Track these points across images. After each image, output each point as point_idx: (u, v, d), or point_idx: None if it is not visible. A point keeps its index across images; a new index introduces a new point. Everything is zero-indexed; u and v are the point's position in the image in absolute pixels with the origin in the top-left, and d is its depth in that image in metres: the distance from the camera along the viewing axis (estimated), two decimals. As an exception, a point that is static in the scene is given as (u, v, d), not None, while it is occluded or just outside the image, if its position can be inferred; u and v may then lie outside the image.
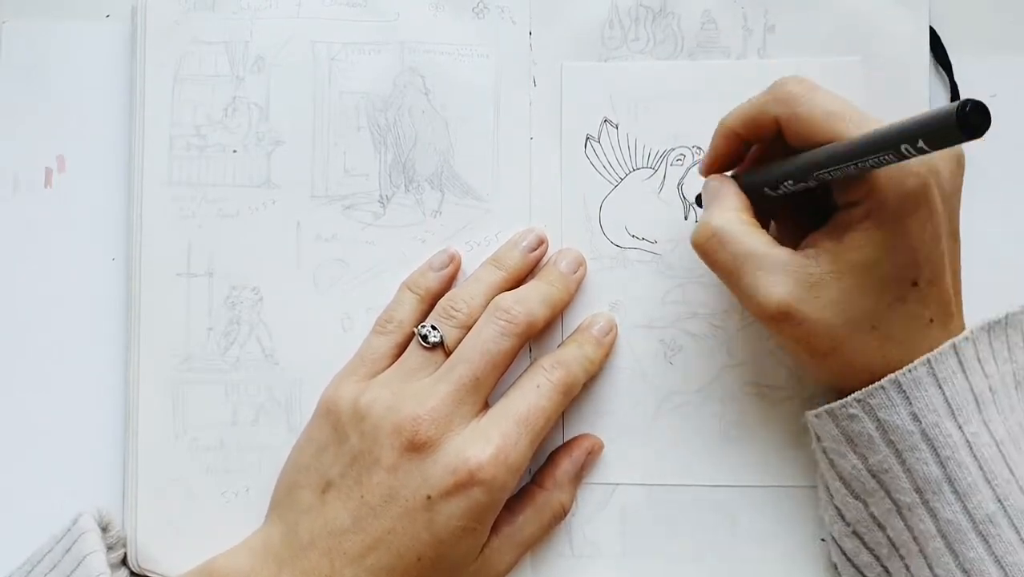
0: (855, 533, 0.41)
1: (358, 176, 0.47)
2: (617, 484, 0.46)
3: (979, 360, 0.38)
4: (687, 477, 0.46)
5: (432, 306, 0.45)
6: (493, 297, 0.44)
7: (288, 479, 0.43)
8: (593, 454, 0.45)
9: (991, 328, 0.39)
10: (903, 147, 0.33)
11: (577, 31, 0.47)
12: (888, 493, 0.39)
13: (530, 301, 0.43)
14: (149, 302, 0.47)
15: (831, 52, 0.46)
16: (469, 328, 0.43)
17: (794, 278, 0.38)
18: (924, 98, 0.46)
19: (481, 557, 0.42)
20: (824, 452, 0.41)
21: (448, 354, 0.43)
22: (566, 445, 0.46)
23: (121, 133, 0.48)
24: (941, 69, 0.47)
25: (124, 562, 0.46)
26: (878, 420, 0.38)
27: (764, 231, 0.40)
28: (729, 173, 0.43)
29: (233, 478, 0.46)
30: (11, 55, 0.49)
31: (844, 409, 0.39)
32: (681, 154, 0.47)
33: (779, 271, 0.38)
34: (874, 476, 0.39)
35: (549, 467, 0.45)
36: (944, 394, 0.37)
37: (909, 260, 0.37)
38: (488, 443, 0.40)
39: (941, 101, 0.47)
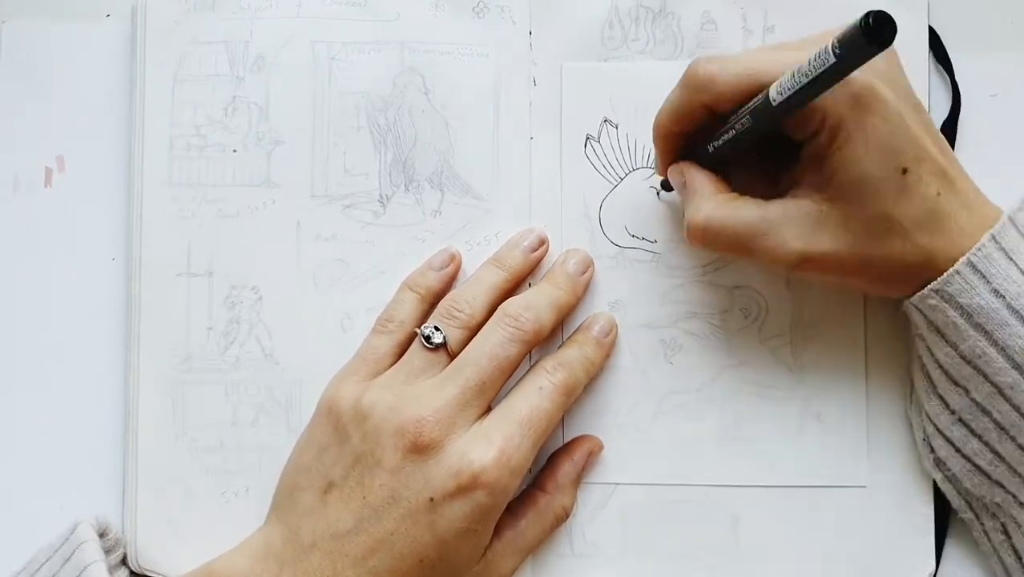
0: (961, 421, 0.41)
1: (358, 176, 0.47)
2: (617, 484, 0.46)
3: None
4: (687, 477, 0.46)
5: (433, 305, 0.45)
6: (495, 298, 0.44)
7: (289, 480, 0.43)
8: (593, 455, 0.45)
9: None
10: (825, 71, 0.34)
11: (577, 31, 0.47)
12: (986, 377, 0.39)
13: (538, 307, 0.43)
14: (149, 302, 0.47)
15: (831, 52, 0.46)
16: (472, 329, 0.43)
17: (796, 224, 0.39)
18: (924, 98, 0.46)
19: (483, 560, 0.42)
20: (923, 339, 0.41)
21: (451, 355, 0.43)
22: (566, 447, 0.46)
23: (121, 133, 0.48)
24: (941, 69, 0.47)
25: (124, 562, 0.46)
26: (960, 306, 0.38)
27: (747, 197, 0.41)
28: None
29: (233, 478, 0.46)
30: (11, 55, 0.49)
31: (923, 301, 0.39)
32: (681, 154, 0.47)
33: (781, 225, 0.39)
34: (968, 363, 0.39)
35: (550, 470, 0.45)
36: (1017, 265, 0.38)
37: (888, 153, 0.38)
38: (491, 445, 0.40)
39: (941, 101, 0.47)
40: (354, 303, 0.47)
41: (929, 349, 0.41)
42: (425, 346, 0.43)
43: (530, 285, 0.46)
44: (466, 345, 0.43)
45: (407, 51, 0.47)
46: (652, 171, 0.47)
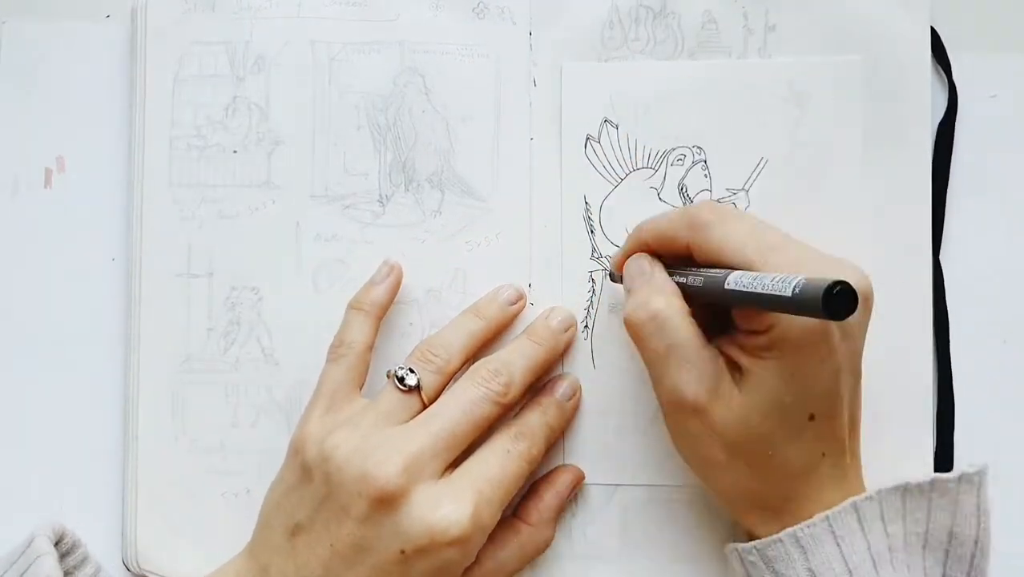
0: None
1: (358, 176, 0.47)
2: (617, 484, 0.46)
3: (882, 519, 0.38)
4: (687, 477, 0.46)
5: (380, 320, 0.45)
6: (472, 345, 0.44)
7: (263, 515, 0.42)
8: (577, 487, 0.45)
9: (907, 490, 0.38)
10: (779, 301, 0.34)
11: (577, 31, 0.47)
12: None
13: (513, 368, 0.43)
14: (149, 302, 0.47)
15: (832, 52, 0.46)
16: (447, 375, 0.43)
17: (714, 380, 0.38)
18: (925, 98, 0.46)
19: None
20: None
21: (424, 400, 0.42)
22: (549, 478, 0.45)
23: (121, 133, 0.48)
24: (940, 69, 0.47)
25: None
26: (775, 571, 0.38)
27: (695, 322, 0.39)
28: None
29: (233, 479, 0.46)
30: (11, 55, 0.49)
31: (746, 554, 0.39)
32: (681, 154, 0.47)
33: (703, 368, 0.38)
34: None
35: (534, 500, 0.45)
36: (842, 552, 0.38)
37: (807, 394, 0.37)
38: (465, 502, 0.39)
39: (941, 101, 0.47)
40: (354, 303, 0.47)
41: None
42: (398, 388, 0.42)
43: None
44: (439, 390, 0.43)
45: (407, 51, 0.47)
46: (652, 171, 0.47)
